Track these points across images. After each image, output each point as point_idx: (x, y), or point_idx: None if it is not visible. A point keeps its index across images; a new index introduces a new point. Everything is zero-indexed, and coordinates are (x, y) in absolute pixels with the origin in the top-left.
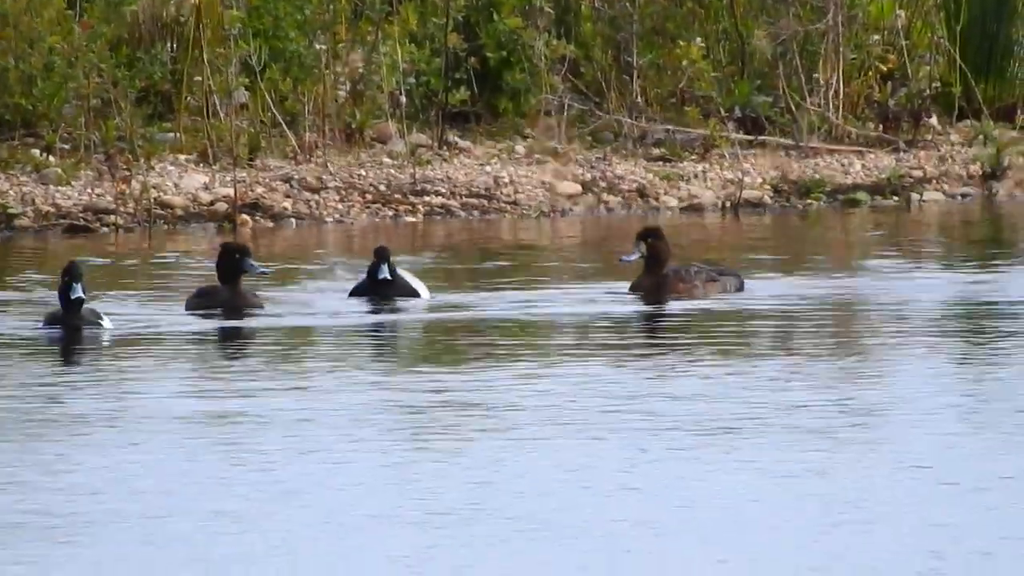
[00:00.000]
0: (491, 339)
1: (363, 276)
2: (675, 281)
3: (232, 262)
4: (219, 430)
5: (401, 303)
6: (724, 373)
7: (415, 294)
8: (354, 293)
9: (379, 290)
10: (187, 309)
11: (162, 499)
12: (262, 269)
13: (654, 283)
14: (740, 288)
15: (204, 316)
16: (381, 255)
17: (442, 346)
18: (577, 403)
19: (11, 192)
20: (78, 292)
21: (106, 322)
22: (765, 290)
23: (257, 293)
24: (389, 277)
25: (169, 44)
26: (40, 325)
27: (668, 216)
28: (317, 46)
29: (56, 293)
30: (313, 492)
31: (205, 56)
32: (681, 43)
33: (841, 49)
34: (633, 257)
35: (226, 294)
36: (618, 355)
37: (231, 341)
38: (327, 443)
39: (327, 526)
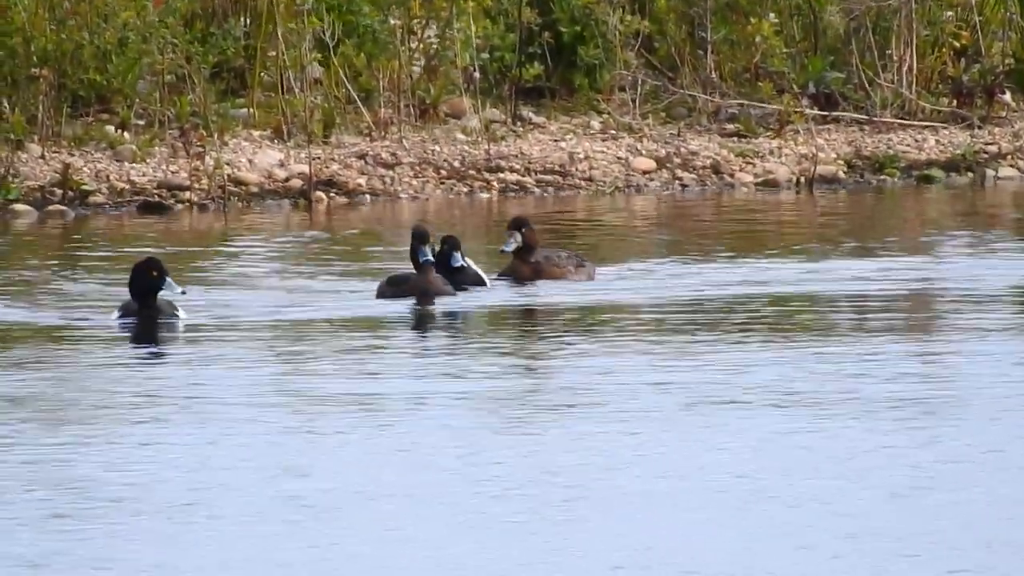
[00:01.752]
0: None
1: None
2: (550, 267)
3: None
4: (377, 414)
5: (473, 291)
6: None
7: (482, 282)
8: None
9: (450, 278)
10: (378, 296)
11: (336, 478)
12: (461, 263)
13: (532, 269)
14: (593, 276)
15: (394, 302)
16: (452, 244)
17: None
18: (731, 384)
19: (85, 169)
20: (175, 288)
21: (182, 313)
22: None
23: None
24: (463, 264)
25: (242, 19)
26: (116, 316)
27: (743, 192)
28: (391, 21)
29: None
30: (512, 476)
31: (279, 31)
32: (753, 19)
33: (914, 25)
34: (512, 247)
35: (417, 281)
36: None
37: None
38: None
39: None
